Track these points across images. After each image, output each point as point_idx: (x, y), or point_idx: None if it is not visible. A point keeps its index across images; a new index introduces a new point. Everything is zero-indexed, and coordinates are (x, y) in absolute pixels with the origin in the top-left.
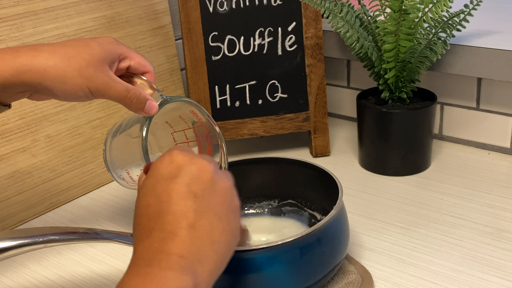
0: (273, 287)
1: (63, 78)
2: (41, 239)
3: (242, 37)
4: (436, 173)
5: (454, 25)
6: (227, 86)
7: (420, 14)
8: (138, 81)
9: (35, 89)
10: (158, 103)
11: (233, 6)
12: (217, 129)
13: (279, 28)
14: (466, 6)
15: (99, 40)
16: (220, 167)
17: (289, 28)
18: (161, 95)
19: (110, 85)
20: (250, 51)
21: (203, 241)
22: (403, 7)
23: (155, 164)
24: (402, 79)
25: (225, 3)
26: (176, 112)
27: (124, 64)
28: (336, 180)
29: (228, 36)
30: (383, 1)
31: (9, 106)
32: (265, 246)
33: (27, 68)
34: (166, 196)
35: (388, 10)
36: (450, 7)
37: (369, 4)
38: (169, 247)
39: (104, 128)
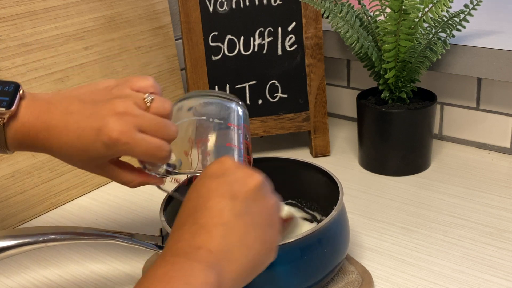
0: (273, 287)
1: (70, 159)
2: (41, 239)
3: (242, 37)
4: (436, 173)
5: (454, 25)
6: (227, 86)
7: (420, 14)
8: None
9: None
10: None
11: (233, 6)
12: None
13: (279, 28)
14: (466, 6)
15: (109, 132)
16: None
17: (289, 28)
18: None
19: (117, 176)
20: (250, 51)
21: (234, 242)
22: (403, 7)
23: (207, 166)
24: (402, 79)
25: (225, 3)
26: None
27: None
28: (337, 181)
29: (228, 36)
30: (383, 1)
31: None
32: None
33: (42, 144)
34: (205, 191)
35: (388, 10)
36: (450, 7)
37: (369, 4)
38: (199, 240)
39: None
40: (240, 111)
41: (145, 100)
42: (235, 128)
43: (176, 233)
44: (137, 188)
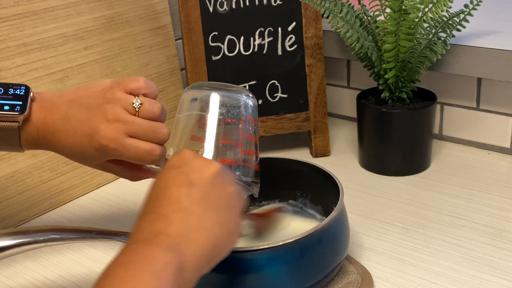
0: (273, 287)
1: (73, 159)
2: (41, 238)
3: (242, 37)
4: (436, 173)
5: (454, 25)
6: None
7: (420, 14)
8: None
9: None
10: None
11: (233, 6)
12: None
13: (279, 28)
14: (466, 6)
15: (102, 134)
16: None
17: (289, 28)
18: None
19: (118, 172)
20: (250, 51)
21: (193, 226)
22: (403, 7)
23: (168, 160)
24: (402, 79)
25: (225, 3)
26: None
27: None
28: (337, 181)
29: (228, 36)
30: (383, 1)
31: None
32: (266, 246)
33: (48, 145)
34: (164, 182)
35: (388, 10)
36: (450, 7)
37: (369, 4)
38: (158, 227)
39: None
40: (249, 104)
41: (134, 105)
42: (236, 123)
43: (137, 223)
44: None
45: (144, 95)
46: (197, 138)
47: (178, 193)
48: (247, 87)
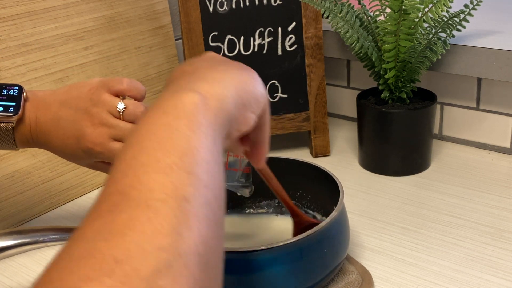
0: (274, 287)
1: (65, 159)
2: (41, 238)
3: (242, 37)
4: (436, 173)
5: (454, 25)
6: None
7: (420, 14)
8: None
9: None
10: None
11: (233, 6)
12: None
13: (279, 28)
14: (466, 6)
15: (90, 135)
16: None
17: (289, 28)
18: None
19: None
20: (250, 51)
21: (205, 71)
22: (403, 7)
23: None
24: (402, 79)
25: (225, 3)
26: None
27: None
28: (337, 181)
29: (228, 36)
30: (383, 1)
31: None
32: (266, 247)
33: (41, 144)
34: (194, 67)
35: (388, 10)
36: (450, 7)
37: (369, 4)
38: (177, 86)
39: None
40: None
41: (118, 109)
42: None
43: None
44: None
45: (131, 96)
46: None
47: (181, 70)
48: None
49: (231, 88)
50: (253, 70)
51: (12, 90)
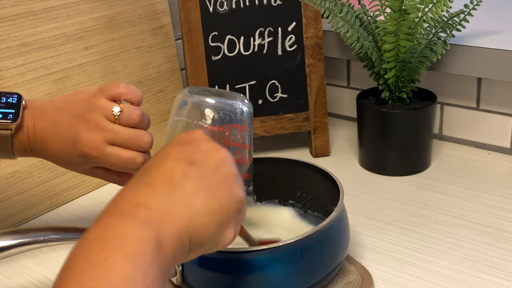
0: None
1: (61, 165)
2: (41, 238)
3: (242, 37)
4: (436, 173)
5: (454, 25)
6: (227, 86)
7: (420, 14)
8: None
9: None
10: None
11: (233, 6)
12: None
13: (279, 28)
14: (466, 6)
15: (86, 140)
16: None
17: (289, 28)
18: None
19: (106, 178)
20: (250, 51)
21: (179, 202)
22: (403, 7)
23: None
24: (402, 79)
25: (225, 3)
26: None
27: None
28: (337, 181)
29: (228, 36)
30: (383, 1)
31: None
32: (266, 247)
33: (37, 152)
34: (164, 155)
35: (388, 10)
36: (450, 7)
37: (369, 4)
38: (139, 196)
39: None
40: (237, 110)
41: (113, 112)
42: (222, 130)
43: (118, 193)
44: None
45: (127, 100)
46: None
47: (173, 167)
48: (247, 87)
49: (186, 243)
50: (231, 169)
51: (11, 98)
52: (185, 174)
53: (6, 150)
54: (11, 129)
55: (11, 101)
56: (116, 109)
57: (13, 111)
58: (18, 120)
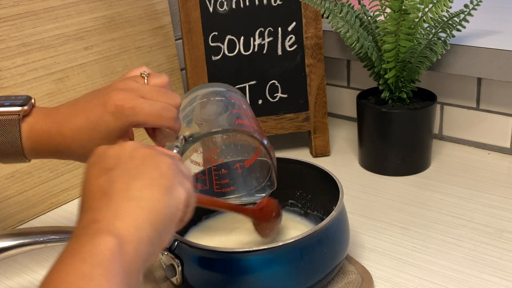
0: (273, 287)
1: (81, 144)
2: (41, 239)
3: (242, 37)
4: (436, 173)
5: (454, 25)
6: None
7: (420, 14)
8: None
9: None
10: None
11: (233, 6)
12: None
13: (279, 28)
14: (466, 6)
15: (114, 112)
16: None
17: (289, 28)
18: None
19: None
20: (250, 51)
21: (120, 200)
22: (403, 7)
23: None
24: (402, 79)
25: (225, 3)
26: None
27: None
28: (337, 181)
29: (228, 36)
30: (383, 1)
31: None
32: (266, 247)
33: (54, 138)
34: (85, 182)
35: (388, 10)
36: (450, 7)
37: (369, 4)
38: (86, 220)
39: None
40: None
41: (142, 75)
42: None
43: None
44: None
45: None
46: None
47: (97, 184)
48: (247, 87)
49: (146, 226)
50: (170, 167)
51: (20, 96)
52: (110, 180)
53: (14, 139)
54: (19, 114)
55: (20, 97)
56: (145, 72)
57: (21, 101)
58: (26, 108)
